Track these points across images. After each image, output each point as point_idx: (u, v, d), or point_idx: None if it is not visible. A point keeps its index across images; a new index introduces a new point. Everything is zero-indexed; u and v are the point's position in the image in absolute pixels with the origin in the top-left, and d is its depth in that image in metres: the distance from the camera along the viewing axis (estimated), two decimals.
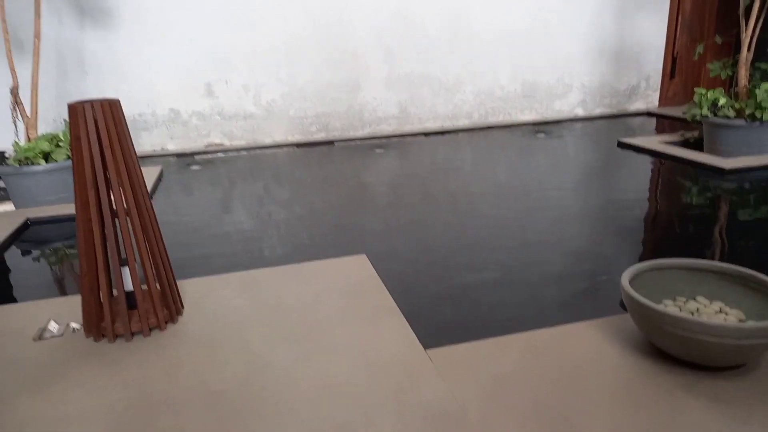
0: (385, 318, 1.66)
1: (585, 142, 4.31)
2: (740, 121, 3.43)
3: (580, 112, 5.13)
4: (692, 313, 1.43)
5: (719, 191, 3.00)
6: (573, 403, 1.26)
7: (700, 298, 1.49)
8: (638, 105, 5.27)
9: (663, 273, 1.55)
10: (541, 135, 4.50)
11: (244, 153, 4.25)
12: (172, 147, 4.31)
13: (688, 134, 3.93)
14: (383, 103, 4.62)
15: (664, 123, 4.83)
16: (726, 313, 1.42)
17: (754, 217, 2.64)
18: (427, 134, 4.65)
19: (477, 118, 4.89)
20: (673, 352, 1.35)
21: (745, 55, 3.59)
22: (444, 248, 2.34)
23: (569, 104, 5.09)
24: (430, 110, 4.75)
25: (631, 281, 1.47)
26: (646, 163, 3.61)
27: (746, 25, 3.56)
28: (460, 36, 4.60)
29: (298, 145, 4.42)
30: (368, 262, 2.06)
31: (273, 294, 1.85)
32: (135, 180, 1.60)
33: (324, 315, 1.69)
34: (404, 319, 1.64)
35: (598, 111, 5.17)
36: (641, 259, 2.16)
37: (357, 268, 2.01)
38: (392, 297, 1.77)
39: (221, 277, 1.99)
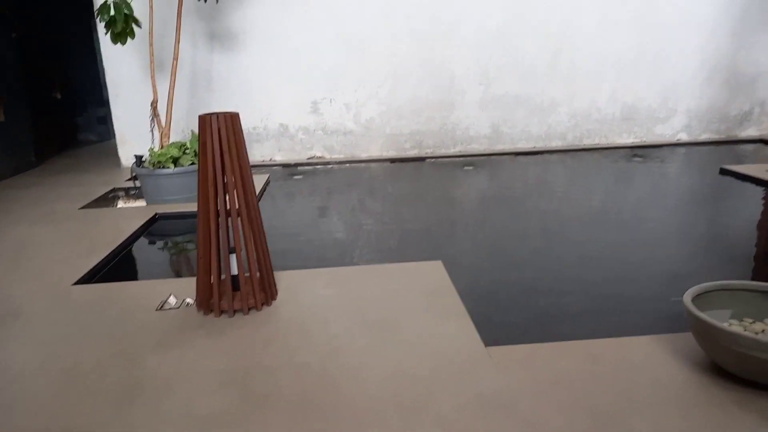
0: (453, 317, 1.81)
1: (684, 167, 4.15)
2: None
3: (683, 137, 4.93)
4: (756, 333, 1.44)
5: None
6: (621, 407, 1.34)
7: (767, 320, 1.49)
8: (750, 131, 4.96)
9: (732, 294, 1.56)
10: (638, 159, 4.40)
11: (342, 165, 4.57)
12: (279, 158, 4.74)
13: None
14: (476, 123, 4.76)
15: None
16: None
17: None
18: (517, 154, 4.71)
19: (571, 140, 4.87)
20: (731, 368, 1.37)
21: None
22: (523, 266, 2.44)
23: (672, 128, 4.92)
24: (523, 131, 4.81)
25: (697, 300, 1.50)
26: (747, 190, 3.44)
27: None
28: (560, 59, 4.64)
29: (392, 160, 4.68)
30: (443, 268, 2.21)
31: (356, 288, 2.06)
32: (247, 181, 1.89)
33: (398, 310, 1.87)
34: (470, 320, 1.78)
35: (704, 137, 4.94)
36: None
37: (433, 273, 2.17)
38: (462, 302, 1.91)
39: (312, 271, 2.24)
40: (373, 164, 4.60)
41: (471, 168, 4.34)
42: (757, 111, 4.93)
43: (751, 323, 1.50)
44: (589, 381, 1.44)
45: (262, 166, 4.57)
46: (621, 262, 2.40)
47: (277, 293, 2.02)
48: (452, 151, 4.81)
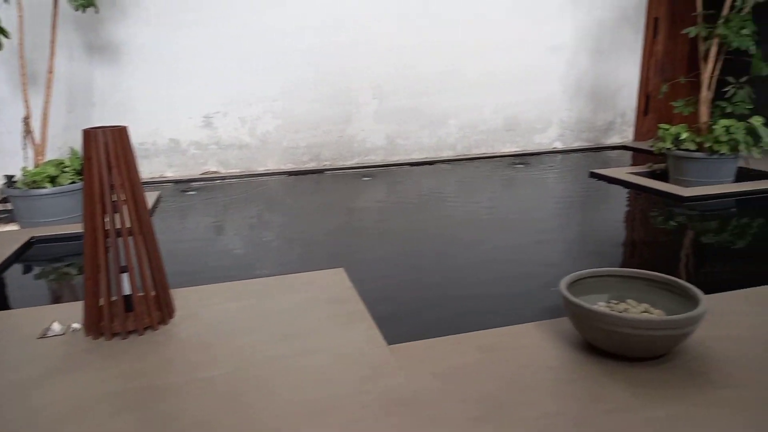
0: (356, 322, 1.86)
1: (560, 172, 4.56)
2: (700, 154, 3.70)
3: (558, 145, 5.41)
4: (620, 312, 1.64)
5: (678, 216, 3.24)
6: (509, 391, 1.46)
7: (629, 300, 1.70)
8: (614, 139, 5.56)
9: (600, 280, 1.76)
10: (520, 166, 4.77)
11: (239, 180, 4.49)
12: (171, 174, 4.55)
13: (656, 166, 4.20)
14: (372, 135, 4.90)
15: (637, 156, 5.11)
16: (650, 312, 1.63)
17: (709, 238, 2.87)
18: (412, 164, 4.91)
19: (460, 150, 5.16)
20: (601, 345, 1.55)
21: (705, 94, 3.89)
22: (421, 268, 2.55)
23: (548, 138, 5.38)
24: (416, 142, 5.03)
25: (572, 288, 1.68)
26: (613, 191, 3.86)
27: (705, 66, 3.87)
28: (450, 75, 4.92)
29: (290, 173, 4.67)
30: (345, 275, 2.27)
31: (258, 301, 2.05)
32: (139, 197, 1.82)
33: (303, 319, 1.89)
34: (373, 323, 1.84)
35: (576, 144, 5.46)
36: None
37: (335, 281, 2.22)
38: (366, 306, 1.97)
39: (212, 287, 2.19)
40: (270, 178, 4.57)
41: (369, 179, 4.45)
42: (619, 121, 5.54)
43: (616, 304, 1.70)
44: (481, 370, 1.56)
45: (151, 183, 4.36)
46: (509, 259, 2.60)
47: (174, 311, 1.96)
48: (350, 162, 4.90)
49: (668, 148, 3.84)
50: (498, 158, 5.09)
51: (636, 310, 1.64)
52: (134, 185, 1.81)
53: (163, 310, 1.89)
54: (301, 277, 2.27)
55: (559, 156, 5.18)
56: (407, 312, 2.07)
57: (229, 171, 4.65)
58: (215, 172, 4.62)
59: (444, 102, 4.99)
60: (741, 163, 3.79)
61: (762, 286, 2.03)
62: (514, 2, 4.95)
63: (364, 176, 4.53)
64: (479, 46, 4.93)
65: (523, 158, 5.09)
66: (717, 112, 3.92)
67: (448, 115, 5.05)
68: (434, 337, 1.74)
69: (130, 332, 1.82)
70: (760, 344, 1.63)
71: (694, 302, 1.56)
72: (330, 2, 4.53)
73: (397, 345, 1.69)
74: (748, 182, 3.73)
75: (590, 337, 1.57)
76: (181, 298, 2.07)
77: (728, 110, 3.86)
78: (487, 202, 3.75)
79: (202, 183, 4.44)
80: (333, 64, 4.64)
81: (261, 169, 4.71)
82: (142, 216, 1.84)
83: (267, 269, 2.53)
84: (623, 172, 4.12)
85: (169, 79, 4.35)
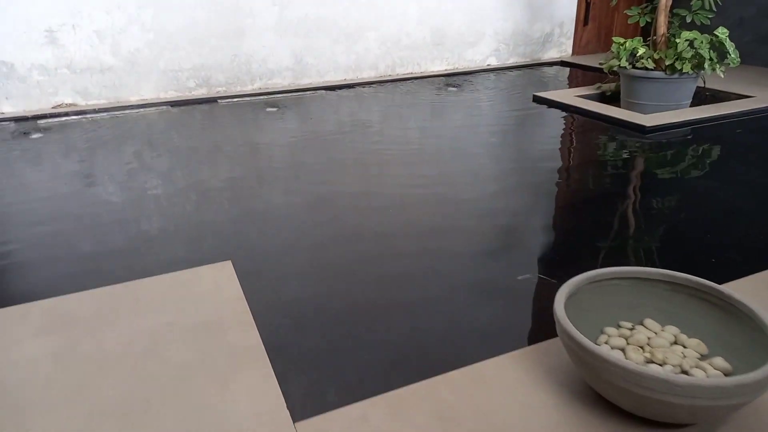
0: (244, 367, 1.20)
1: (499, 95, 3.95)
2: (659, 73, 3.19)
3: (493, 61, 4.77)
4: (642, 348, 1.09)
5: (642, 152, 2.73)
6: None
7: (648, 322, 1.16)
8: (552, 54, 4.99)
9: (602, 287, 1.19)
10: (453, 89, 4.10)
11: (105, 114, 3.51)
12: (9, 109, 3.48)
13: (605, 86, 3.68)
14: (274, 53, 3.99)
15: (578, 73, 4.58)
16: (684, 345, 1.10)
17: (678, 179, 2.40)
18: (327, 88, 4.10)
19: (383, 70, 4.39)
20: (626, 407, 1.01)
21: (665, 1, 3.32)
22: (344, 218, 1.90)
23: (482, 54, 4.71)
24: (330, 60, 4.19)
25: (566, 304, 1.10)
26: (563, 119, 3.31)
27: None
28: None
29: (174, 103, 3.73)
30: (233, 271, 1.57)
31: (87, 335, 1.32)
32: None
33: (158, 369, 1.20)
34: (269, 365, 1.19)
35: (512, 61, 4.84)
36: (555, 224, 1.84)
37: (216, 283, 1.52)
38: (261, 322, 1.31)
39: (13, 310, 1.43)
40: (148, 110, 3.62)
41: (275, 109, 3.63)
42: (557, 32, 4.94)
43: (631, 330, 1.15)
44: None
45: None
46: (450, 199, 1.99)
47: None
48: (249, 88, 4.01)
49: (623, 67, 3.30)
50: (427, 79, 4.37)
51: (662, 340, 1.10)
52: None
53: None
54: (162, 284, 1.54)
55: (494, 75, 4.55)
56: (324, 327, 1.43)
57: (90, 103, 3.64)
58: (71, 105, 3.60)
59: (360, 10, 4.13)
60: (699, 83, 3.34)
61: None
62: None
63: (269, 106, 3.70)
64: None
65: (455, 78, 4.41)
66: (676, 22, 3.39)
67: (366, 27, 4.21)
68: (370, 395, 1.13)
69: None
70: None
71: (746, 323, 1.04)
72: None
73: (306, 422, 1.06)
74: (709, 105, 3.30)
75: (609, 396, 1.02)
76: None
77: (689, 20, 3.35)
78: (421, 131, 3.08)
79: (54, 120, 3.43)
80: None
81: (134, 100, 3.73)
82: None
83: (128, 257, 1.78)
84: (571, 96, 3.57)
85: None
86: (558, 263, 1.70)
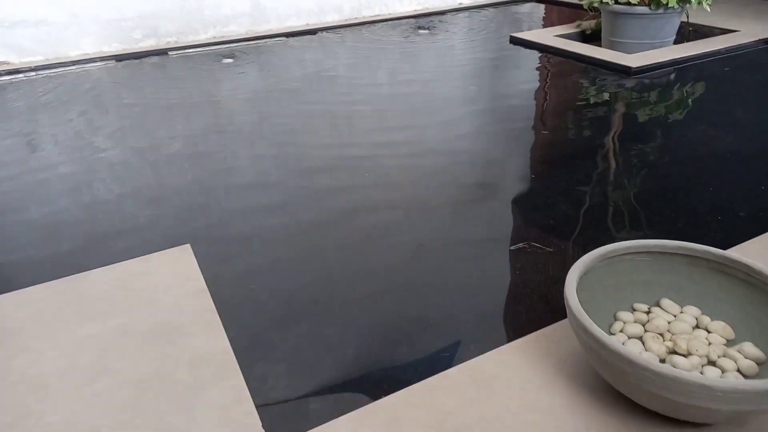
0: (211, 379, 1.04)
1: (473, 38, 3.70)
2: (643, 9, 2.99)
3: (465, 0, 4.47)
4: (662, 335, 0.97)
5: (631, 96, 2.56)
6: None
7: (666, 303, 1.03)
8: None
9: (613, 264, 1.06)
10: (424, 31, 3.83)
11: (42, 73, 3.17)
12: None
13: (585, 24, 3.48)
14: None
15: (553, 10, 4.34)
16: (707, 329, 0.98)
17: (673, 124, 2.26)
18: (288, 35, 3.79)
19: (349, 12, 4.08)
20: (653, 408, 0.89)
21: None
22: (320, 174, 1.72)
23: None
24: (291, 4, 3.85)
25: (578, 288, 0.96)
26: (544, 62, 3.12)
27: None
28: None
29: (119, 57, 3.39)
30: (193, 257, 1.39)
31: (20, 350, 1.13)
32: None
33: (108, 388, 1.03)
34: (240, 374, 1.04)
35: None
36: (545, 179, 1.70)
37: (174, 277, 1.33)
38: (231, 327, 1.15)
39: None
40: (90, 66, 3.28)
41: (231, 60, 3.33)
42: None
43: (647, 314, 1.02)
44: None
45: None
46: (425, 150, 1.83)
47: None
48: (203, 38, 3.67)
49: (605, 2, 3.09)
50: (396, 21, 4.08)
51: (683, 324, 0.98)
52: None
53: None
54: (107, 274, 1.34)
55: (467, 14, 4.28)
56: (304, 320, 1.27)
57: (25, 60, 3.27)
58: (4, 63, 3.23)
59: None
60: (683, 18, 3.16)
61: None
62: None
63: (225, 57, 3.40)
64: None
65: (426, 20, 4.13)
66: None
67: None
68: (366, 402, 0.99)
69: None
70: None
71: None
72: None
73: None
74: (694, 42, 3.14)
75: (634, 397, 0.90)
76: None
77: None
78: (387, 84, 2.85)
79: None
80: None
81: (75, 54, 3.37)
82: None
83: (66, 242, 1.57)
84: (549, 35, 3.36)
85: None
86: (552, 228, 1.56)
